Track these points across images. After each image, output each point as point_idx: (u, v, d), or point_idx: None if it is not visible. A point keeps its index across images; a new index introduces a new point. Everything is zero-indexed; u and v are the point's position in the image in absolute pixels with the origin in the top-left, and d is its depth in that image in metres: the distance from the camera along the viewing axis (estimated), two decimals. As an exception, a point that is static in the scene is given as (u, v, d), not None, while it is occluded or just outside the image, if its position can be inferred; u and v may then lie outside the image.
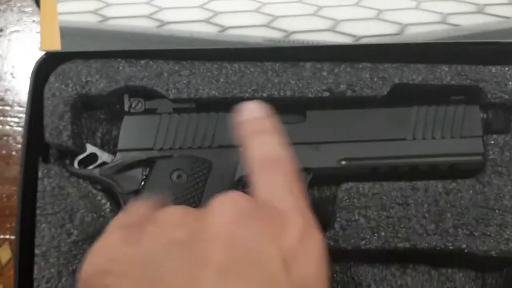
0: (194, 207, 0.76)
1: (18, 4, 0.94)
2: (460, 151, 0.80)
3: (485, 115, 0.81)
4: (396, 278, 0.82)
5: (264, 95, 0.80)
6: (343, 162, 0.79)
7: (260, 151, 0.61)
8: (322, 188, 0.84)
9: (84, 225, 0.77)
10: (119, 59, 0.80)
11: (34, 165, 0.79)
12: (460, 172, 0.80)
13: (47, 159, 0.81)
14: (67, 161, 0.81)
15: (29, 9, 0.94)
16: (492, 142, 0.80)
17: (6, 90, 0.93)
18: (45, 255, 0.76)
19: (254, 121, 0.63)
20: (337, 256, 0.79)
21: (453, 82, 0.81)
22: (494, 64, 0.81)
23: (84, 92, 0.80)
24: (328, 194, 0.84)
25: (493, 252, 0.77)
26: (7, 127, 0.91)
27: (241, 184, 0.79)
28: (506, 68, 0.81)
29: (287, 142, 0.62)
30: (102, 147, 0.84)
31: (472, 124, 0.80)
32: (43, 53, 0.80)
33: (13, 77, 0.93)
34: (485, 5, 0.82)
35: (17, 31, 0.94)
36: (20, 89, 0.93)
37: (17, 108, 0.92)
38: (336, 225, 0.78)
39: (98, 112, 0.84)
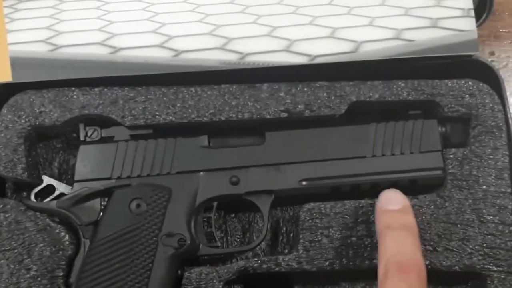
0: (154, 236, 0.75)
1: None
2: (419, 167, 0.80)
3: (443, 129, 0.81)
4: (362, 296, 0.82)
5: (222, 118, 0.79)
6: (304, 183, 0.79)
7: (392, 249, 0.69)
8: (285, 209, 0.84)
9: (43, 259, 0.76)
10: (73, 88, 0.79)
11: (-11, 200, 0.78)
12: (421, 187, 0.80)
13: (3, 192, 0.79)
14: (24, 194, 0.80)
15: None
16: (451, 156, 0.80)
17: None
18: (4, 292, 0.75)
19: (392, 215, 0.72)
20: (301, 278, 0.79)
21: (410, 97, 0.81)
22: (450, 77, 0.81)
23: (38, 123, 0.78)
24: (291, 214, 0.84)
25: (456, 267, 0.77)
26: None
27: (201, 211, 0.79)
28: (463, 81, 0.81)
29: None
30: (60, 177, 0.82)
31: (430, 139, 0.80)
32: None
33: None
34: (439, 19, 0.82)
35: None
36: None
37: (-29, 139, 0.90)
38: (299, 247, 0.78)
39: (54, 141, 0.83)
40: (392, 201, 0.74)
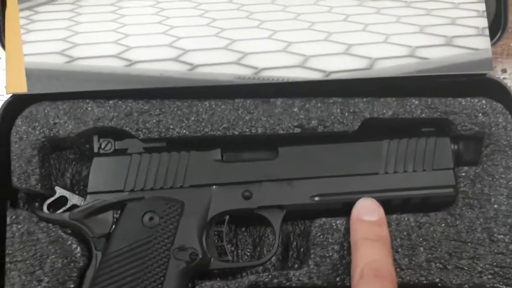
0: (166, 249, 0.76)
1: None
2: (431, 184, 0.80)
3: (455, 147, 0.81)
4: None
5: (236, 132, 0.80)
6: (316, 198, 0.79)
7: (369, 257, 0.72)
8: (296, 224, 0.84)
9: (54, 271, 0.76)
10: (87, 100, 0.79)
11: (2, 210, 0.78)
12: (432, 205, 0.81)
13: (16, 203, 0.79)
14: (36, 205, 0.80)
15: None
16: (463, 174, 0.80)
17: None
18: (16, 304, 0.75)
19: (370, 227, 0.75)
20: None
21: (423, 115, 0.81)
22: (464, 96, 0.82)
23: (52, 134, 0.78)
24: (302, 229, 0.84)
25: (466, 286, 0.77)
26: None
27: (213, 224, 0.79)
28: (476, 100, 0.81)
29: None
30: (72, 188, 0.83)
31: (443, 157, 0.80)
32: (6, 94, 0.79)
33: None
34: (453, 37, 0.82)
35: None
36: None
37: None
38: (310, 262, 0.78)
39: (67, 152, 0.83)
40: (369, 211, 0.76)
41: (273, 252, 0.79)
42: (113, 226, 0.76)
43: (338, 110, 0.81)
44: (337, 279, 0.77)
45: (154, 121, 0.79)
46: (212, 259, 0.78)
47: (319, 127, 0.80)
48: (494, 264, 0.78)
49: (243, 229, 0.85)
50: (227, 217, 0.79)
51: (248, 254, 0.84)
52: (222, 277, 0.80)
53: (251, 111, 0.80)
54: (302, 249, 0.84)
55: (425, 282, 0.77)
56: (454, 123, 0.81)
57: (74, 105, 0.79)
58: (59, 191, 0.78)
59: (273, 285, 0.77)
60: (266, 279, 0.77)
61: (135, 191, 0.77)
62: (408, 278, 0.78)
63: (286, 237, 0.84)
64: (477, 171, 0.80)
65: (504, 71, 0.95)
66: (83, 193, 0.80)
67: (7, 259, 0.76)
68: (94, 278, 0.74)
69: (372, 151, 0.80)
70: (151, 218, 0.76)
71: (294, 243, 0.84)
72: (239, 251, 0.84)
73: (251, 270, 0.82)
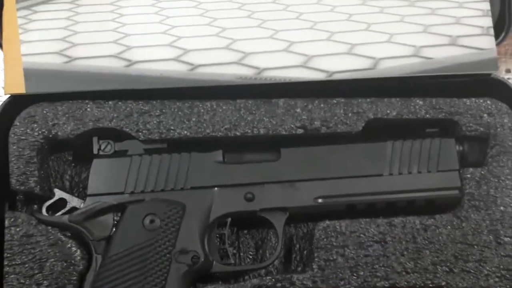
0: (167, 252, 0.74)
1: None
2: (436, 186, 0.79)
3: (460, 148, 0.80)
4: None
5: (237, 133, 0.78)
6: (320, 200, 0.78)
7: None
8: (299, 226, 0.83)
9: (54, 274, 0.74)
10: (87, 101, 0.78)
11: (1, 212, 0.76)
12: (437, 207, 0.79)
13: (14, 205, 0.78)
14: (35, 207, 0.78)
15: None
16: (468, 175, 0.79)
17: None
18: (14, 308, 0.74)
19: None
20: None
21: (428, 115, 0.80)
22: (469, 96, 0.81)
23: (51, 136, 0.77)
24: (305, 231, 0.83)
25: (473, 289, 0.77)
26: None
27: (215, 227, 0.78)
28: (481, 100, 0.80)
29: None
30: (71, 190, 0.81)
31: (448, 158, 0.79)
32: (4, 94, 0.78)
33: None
34: (458, 36, 0.81)
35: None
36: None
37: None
38: (314, 266, 0.77)
39: (66, 154, 0.82)
40: None
41: (276, 255, 0.78)
42: (113, 229, 0.75)
43: (342, 111, 0.79)
44: (341, 282, 0.76)
45: (154, 122, 0.78)
46: (214, 262, 0.76)
47: (322, 127, 0.79)
48: (501, 267, 0.77)
49: (245, 231, 0.83)
50: (229, 220, 0.78)
51: (250, 257, 0.83)
52: (224, 280, 0.79)
53: (253, 112, 0.79)
54: (305, 252, 0.82)
55: (431, 285, 0.76)
56: (459, 124, 0.80)
57: (73, 105, 0.78)
58: (58, 193, 0.77)
59: (277, 289, 0.76)
60: (270, 283, 0.76)
61: (135, 193, 0.76)
62: (414, 281, 0.76)
63: (288, 239, 0.83)
64: (482, 172, 0.79)
65: (508, 71, 0.94)
66: (82, 196, 0.78)
67: (5, 262, 0.74)
68: (94, 281, 0.73)
69: (376, 152, 0.79)
70: (152, 221, 0.75)
71: (297, 246, 0.83)
72: (241, 254, 0.83)
73: (253, 273, 0.80)
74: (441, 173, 0.79)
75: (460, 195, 0.79)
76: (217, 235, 0.79)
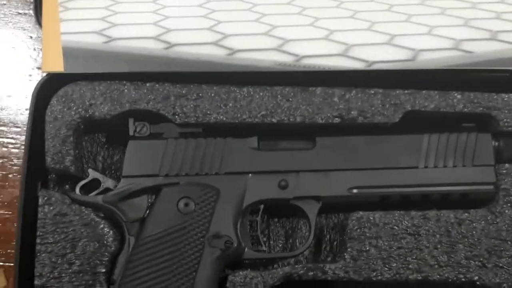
0: (201, 236, 0.74)
1: (15, 20, 0.90)
2: (471, 180, 0.78)
3: (496, 144, 0.80)
4: (407, 310, 0.80)
5: (274, 120, 0.78)
6: (354, 190, 0.77)
7: None
8: (329, 216, 0.83)
9: (86, 254, 0.74)
10: (124, 82, 0.78)
11: (34, 191, 0.76)
12: (471, 201, 0.79)
13: (47, 184, 0.78)
14: (67, 187, 0.78)
15: (27, 25, 0.90)
16: (504, 171, 0.79)
17: (2, 109, 0.89)
18: (45, 286, 0.73)
19: None
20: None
21: (465, 109, 0.79)
22: (507, 92, 0.80)
23: (87, 115, 0.77)
24: (335, 222, 0.82)
25: (505, 285, 0.76)
26: (4, 149, 0.87)
27: (248, 213, 0.78)
28: (519, 96, 0.80)
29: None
30: (103, 171, 0.81)
31: (484, 153, 0.79)
32: (40, 71, 0.78)
33: (8, 96, 0.89)
34: (498, 31, 0.80)
35: (13, 47, 0.90)
36: (16, 109, 0.89)
37: (13, 128, 0.88)
38: (347, 256, 0.76)
39: (100, 135, 0.82)
40: None
41: (308, 244, 0.78)
42: (147, 211, 0.75)
43: (379, 102, 0.79)
44: (373, 274, 0.76)
45: (191, 105, 0.78)
46: (246, 249, 0.76)
47: (359, 118, 0.78)
48: (534, 264, 0.77)
49: (275, 220, 0.83)
50: (261, 206, 0.78)
51: (280, 245, 0.82)
52: (252, 267, 0.78)
53: (290, 99, 0.79)
54: (335, 243, 0.82)
55: (463, 279, 0.76)
56: (496, 119, 0.79)
57: (111, 86, 0.77)
58: (92, 174, 0.76)
59: (308, 278, 0.76)
60: (301, 271, 0.76)
61: (170, 176, 0.76)
62: (446, 275, 0.76)
63: (319, 230, 0.82)
64: (518, 168, 0.79)
65: (543, 69, 0.93)
66: (114, 177, 0.78)
67: (38, 241, 0.74)
68: (127, 263, 0.73)
69: (412, 145, 0.78)
70: (186, 204, 0.75)
71: (328, 236, 0.83)
72: (271, 242, 0.82)
73: (283, 262, 0.80)
74: (477, 167, 0.78)
75: (495, 191, 0.78)
76: (248, 222, 0.78)
